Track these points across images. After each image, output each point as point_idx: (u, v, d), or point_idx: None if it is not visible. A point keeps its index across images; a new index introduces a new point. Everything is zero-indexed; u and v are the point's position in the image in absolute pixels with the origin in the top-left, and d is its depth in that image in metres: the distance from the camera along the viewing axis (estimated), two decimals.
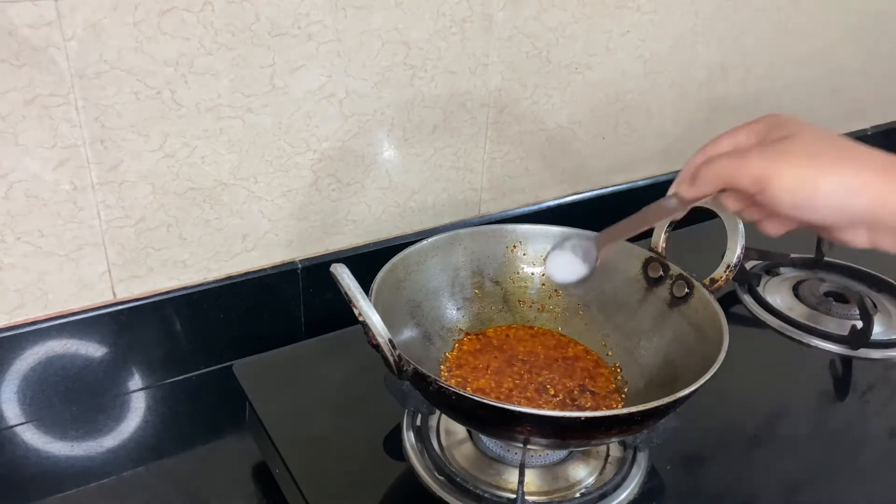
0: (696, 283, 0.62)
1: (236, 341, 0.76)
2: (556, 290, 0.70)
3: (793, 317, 0.81)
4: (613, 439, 0.58)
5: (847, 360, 0.76)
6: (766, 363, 0.76)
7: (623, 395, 0.63)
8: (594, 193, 0.95)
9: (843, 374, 0.75)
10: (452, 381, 0.62)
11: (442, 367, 0.64)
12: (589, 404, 0.61)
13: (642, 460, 0.61)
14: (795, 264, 0.89)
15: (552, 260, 0.57)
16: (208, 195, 0.69)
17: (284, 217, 0.75)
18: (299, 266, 0.77)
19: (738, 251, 0.62)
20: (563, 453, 0.60)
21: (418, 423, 0.62)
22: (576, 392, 0.62)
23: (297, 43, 0.67)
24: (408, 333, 0.63)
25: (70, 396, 0.70)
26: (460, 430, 0.62)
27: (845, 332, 0.77)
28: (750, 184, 0.44)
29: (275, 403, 0.65)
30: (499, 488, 0.57)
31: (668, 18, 0.89)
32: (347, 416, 0.65)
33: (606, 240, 0.56)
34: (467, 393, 0.50)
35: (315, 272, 0.78)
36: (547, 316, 0.69)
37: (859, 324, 0.76)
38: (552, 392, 0.62)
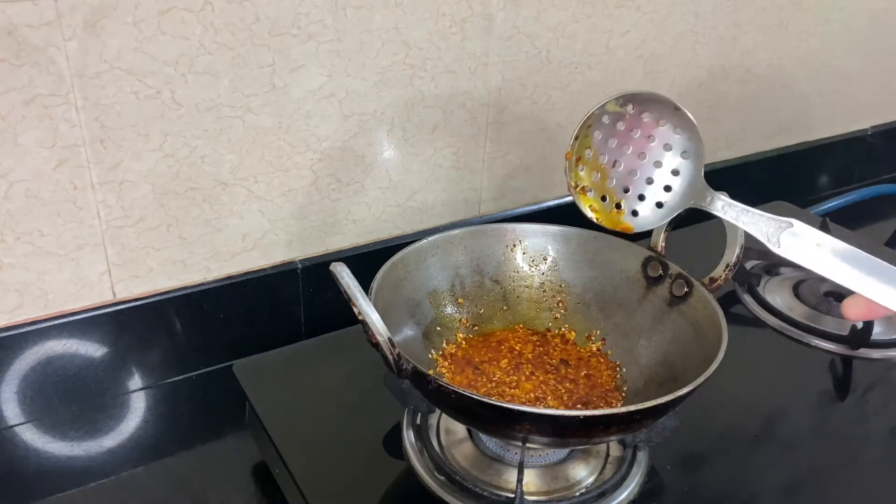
0: (696, 283, 0.62)
1: (236, 341, 0.76)
2: (555, 290, 0.70)
3: (793, 316, 0.81)
4: (613, 438, 0.58)
5: (847, 360, 0.76)
6: (766, 363, 0.76)
7: (622, 394, 0.63)
8: None
9: (843, 374, 0.75)
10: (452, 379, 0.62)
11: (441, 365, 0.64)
12: (588, 403, 0.61)
13: (642, 460, 0.61)
14: (796, 264, 0.89)
15: None
16: (208, 195, 0.69)
17: (284, 217, 0.75)
18: (299, 266, 0.77)
19: (738, 251, 0.62)
20: (562, 453, 0.60)
21: (418, 421, 0.62)
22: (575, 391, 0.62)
23: (297, 43, 0.67)
24: (407, 332, 0.63)
25: (70, 396, 0.70)
26: (460, 429, 0.62)
27: (845, 332, 0.77)
28: None
29: (275, 403, 0.65)
30: (498, 488, 0.57)
31: (668, 18, 0.89)
32: (347, 416, 0.65)
33: None
34: (467, 391, 0.50)
35: (315, 272, 0.78)
36: (546, 315, 0.69)
37: (859, 324, 0.76)
38: (551, 390, 0.62)
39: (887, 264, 0.46)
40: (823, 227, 0.89)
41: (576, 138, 0.58)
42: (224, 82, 0.65)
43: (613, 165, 0.57)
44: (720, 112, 1.02)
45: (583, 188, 0.58)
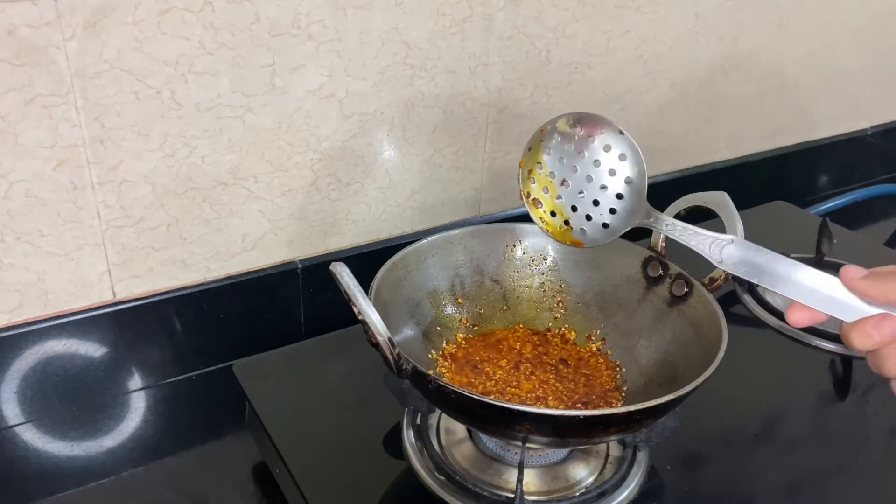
0: (696, 283, 0.62)
1: (236, 341, 0.76)
2: (555, 290, 0.70)
3: None
4: (613, 438, 0.58)
5: (847, 360, 0.76)
6: (766, 363, 0.76)
7: (622, 394, 0.63)
8: None
9: (843, 374, 0.75)
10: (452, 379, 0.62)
11: (441, 365, 0.64)
12: (588, 403, 0.61)
13: (642, 460, 0.61)
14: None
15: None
16: (208, 195, 0.69)
17: (284, 217, 0.75)
18: (299, 266, 0.77)
19: None
20: (562, 453, 0.60)
21: (418, 421, 0.62)
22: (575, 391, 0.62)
23: (297, 43, 0.67)
24: (407, 332, 0.63)
25: (70, 396, 0.70)
26: (460, 429, 0.62)
27: None
28: None
29: (275, 403, 0.65)
30: (498, 487, 0.57)
31: (668, 18, 0.89)
32: (347, 416, 0.65)
33: None
34: (466, 391, 0.50)
35: (315, 272, 0.78)
36: (546, 315, 0.69)
37: None
38: (551, 390, 0.62)
39: (821, 272, 0.48)
40: (823, 227, 0.88)
41: (529, 149, 0.60)
42: (224, 82, 0.65)
43: (562, 184, 0.59)
44: (720, 112, 1.02)
45: (534, 200, 0.60)
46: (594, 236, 0.59)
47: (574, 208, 0.59)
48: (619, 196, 0.58)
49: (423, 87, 0.76)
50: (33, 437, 0.68)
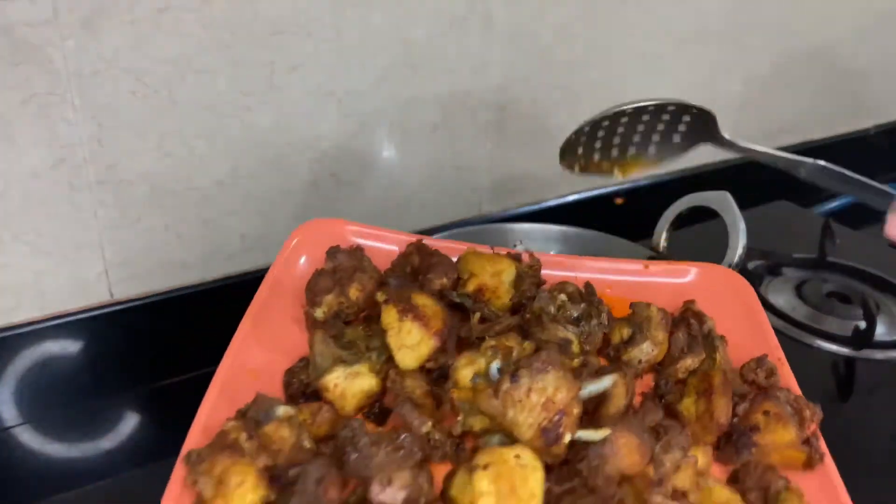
0: None
1: None
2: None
3: (795, 317, 0.80)
4: None
5: (850, 361, 0.76)
6: None
7: None
8: (594, 193, 0.95)
9: (845, 375, 0.75)
10: None
11: None
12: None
13: None
14: (798, 264, 0.89)
15: None
16: (206, 194, 0.69)
17: (284, 217, 0.74)
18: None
19: (740, 250, 0.62)
20: None
21: None
22: None
23: (296, 41, 0.67)
24: None
25: (67, 397, 0.70)
26: None
27: (848, 333, 0.77)
28: None
29: None
30: None
31: (669, 18, 0.89)
32: None
33: None
34: None
35: None
36: None
37: (862, 324, 0.76)
38: None
39: None
40: (826, 227, 0.88)
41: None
42: (222, 81, 0.65)
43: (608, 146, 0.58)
44: (721, 112, 1.01)
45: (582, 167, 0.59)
46: (657, 152, 0.57)
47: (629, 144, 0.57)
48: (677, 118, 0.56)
49: (424, 86, 0.75)
50: (30, 438, 0.68)
